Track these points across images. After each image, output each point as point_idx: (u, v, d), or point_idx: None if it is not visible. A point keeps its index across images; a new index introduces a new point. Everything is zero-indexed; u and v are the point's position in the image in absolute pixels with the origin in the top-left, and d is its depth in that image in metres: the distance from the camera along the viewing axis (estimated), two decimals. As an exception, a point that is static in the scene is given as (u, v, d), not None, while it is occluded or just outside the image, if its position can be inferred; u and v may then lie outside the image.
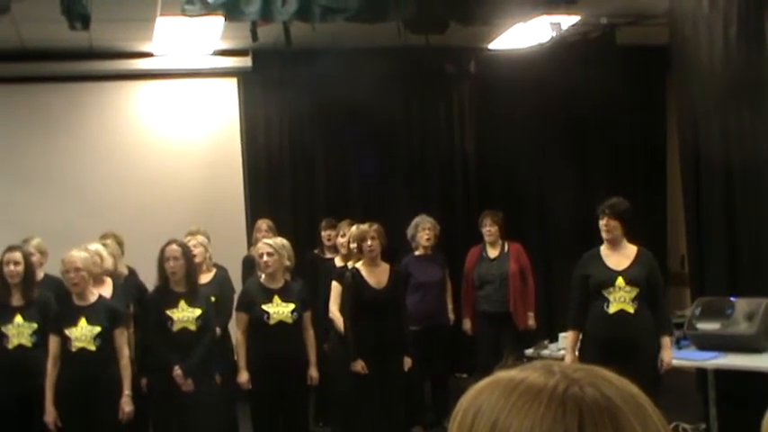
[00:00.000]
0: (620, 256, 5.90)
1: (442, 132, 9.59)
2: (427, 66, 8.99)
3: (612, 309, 5.81)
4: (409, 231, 7.68)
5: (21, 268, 5.97)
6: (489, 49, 8.88)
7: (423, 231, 7.59)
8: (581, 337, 6.00)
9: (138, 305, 6.40)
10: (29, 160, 8.75)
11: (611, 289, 5.81)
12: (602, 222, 5.87)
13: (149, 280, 6.77)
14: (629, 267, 5.85)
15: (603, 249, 5.95)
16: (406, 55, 8.45)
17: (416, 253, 7.66)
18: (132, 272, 6.94)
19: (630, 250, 5.93)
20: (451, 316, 7.79)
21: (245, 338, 6.27)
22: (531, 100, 9.21)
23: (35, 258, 6.39)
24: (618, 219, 5.84)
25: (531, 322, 7.73)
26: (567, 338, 6.21)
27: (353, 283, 6.59)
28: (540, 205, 9.66)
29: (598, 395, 1.01)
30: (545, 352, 7.02)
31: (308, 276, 7.08)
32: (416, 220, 7.70)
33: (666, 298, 6.37)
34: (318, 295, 6.85)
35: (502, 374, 1.06)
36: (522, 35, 8.06)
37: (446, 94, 9.58)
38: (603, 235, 5.90)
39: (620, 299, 5.80)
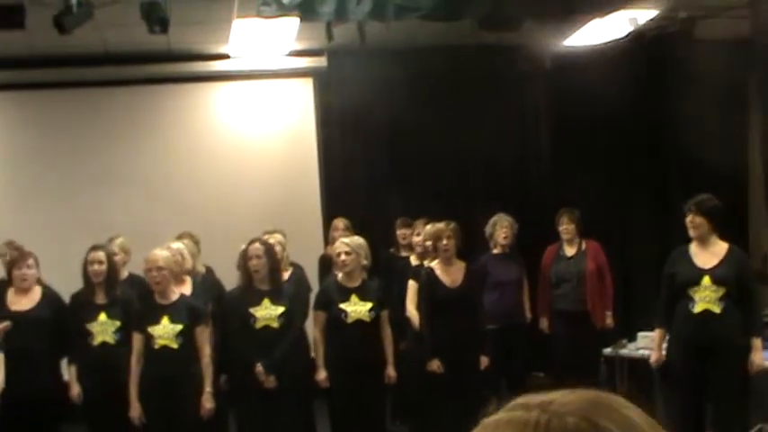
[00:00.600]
0: (708, 254, 5.77)
1: (517, 130, 9.52)
2: (501, 64, 8.93)
3: (698, 308, 5.70)
4: (487, 230, 7.66)
5: (104, 267, 6.12)
6: (565, 46, 8.79)
7: (501, 230, 7.57)
8: (667, 336, 5.91)
9: (216, 303, 6.48)
10: (111, 162, 8.94)
11: (697, 288, 5.69)
12: (687, 219, 5.76)
13: (227, 278, 6.88)
14: (716, 266, 5.71)
15: (693, 247, 5.83)
16: (481, 53, 8.43)
17: (494, 251, 7.64)
18: (210, 270, 7.04)
19: (720, 248, 5.79)
20: (528, 315, 7.74)
21: (322, 337, 6.31)
22: (608, 97, 9.08)
23: (119, 257, 6.54)
24: (704, 215, 5.72)
25: (609, 321, 7.64)
26: (654, 336, 6.15)
27: (428, 282, 6.60)
28: (618, 203, 9.52)
29: (583, 424, 1.00)
30: (623, 351, 6.95)
31: (384, 275, 7.09)
32: (494, 218, 7.67)
33: (758, 298, 6.16)
34: (394, 294, 6.86)
35: (487, 421, 1.06)
36: (599, 31, 7.96)
37: (521, 92, 9.50)
38: (690, 232, 5.79)
39: (706, 298, 5.67)
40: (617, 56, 8.51)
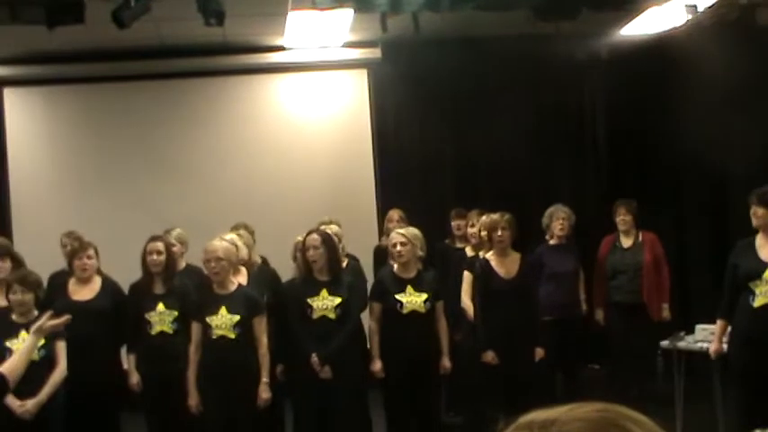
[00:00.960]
0: (772, 247, 5.65)
1: (573, 121, 9.44)
2: (557, 53, 8.85)
3: (757, 303, 5.59)
4: (543, 220, 7.62)
5: (163, 258, 6.20)
6: (622, 35, 8.69)
7: (557, 221, 7.52)
8: (729, 329, 5.82)
9: (272, 294, 6.52)
10: (168, 154, 9.06)
11: (758, 281, 5.58)
12: (751, 211, 5.67)
13: (282, 269, 6.92)
14: (779, 260, 5.59)
15: (758, 239, 5.72)
16: (536, 43, 8.36)
17: (550, 242, 7.59)
18: (265, 261, 7.08)
19: None
20: (584, 306, 7.69)
21: (378, 327, 6.32)
22: (665, 86, 8.97)
23: (176, 248, 6.62)
24: (766, 207, 5.61)
25: (666, 314, 7.57)
26: (714, 329, 6.06)
27: (483, 273, 6.58)
28: (675, 194, 9.39)
29: None
30: (681, 344, 6.86)
31: (439, 266, 7.08)
32: (551, 209, 7.62)
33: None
34: (449, 285, 6.84)
35: None
36: (656, 19, 7.85)
37: (577, 81, 9.40)
38: (753, 223, 5.69)
39: (766, 293, 5.57)
40: (675, 44, 8.38)
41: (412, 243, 6.33)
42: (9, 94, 9.10)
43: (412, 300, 6.22)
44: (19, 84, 9.08)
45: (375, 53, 9.05)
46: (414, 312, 6.23)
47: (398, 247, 6.28)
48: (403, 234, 6.38)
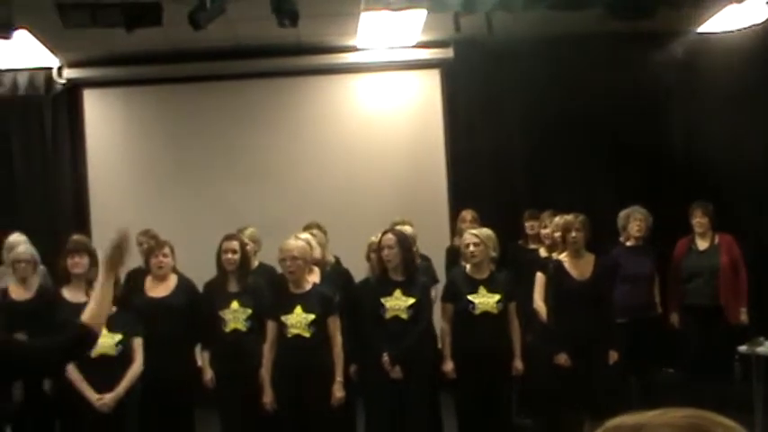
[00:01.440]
0: None
1: (649, 121, 9.27)
2: (633, 52, 8.73)
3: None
4: (619, 221, 7.52)
5: (237, 256, 6.26)
6: (699, 33, 8.53)
7: (634, 222, 7.42)
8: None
9: (344, 293, 6.55)
10: (242, 154, 9.16)
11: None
12: None
13: (354, 269, 6.94)
14: None
15: None
16: (610, 42, 8.25)
17: (627, 244, 7.49)
18: (338, 261, 7.11)
19: None
20: (659, 309, 7.57)
21: (450, 328, 6.30)
22: (744, 85, 8.77)
23: (249, 247, 6.67)
24: None
25: (744, 317, 7.41)
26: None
27: (557, 274, 6.53)
28: (755, 195, 9.18)
29: None
30: (760, 349, 6.72)
31: (512, 267, 7.04)
32: (627, 210, 7.52)
33: None
34: (522, 286, 6.79)
35: None
36: (735, 16, 7.70)
37: (653, 81, 9.21)
38: None
39: None
40: (754, 42, 8.21)
41: (485, 244, 6.30)
42: (88, 95, 9.31)
43: (484, 300, 6.19)
44: (98, 85, 9.27)
45: (447, 53, 9.05)
46: (486, 313, 6.20)
47: (471, 248, 6.26)
48: (476, 234, 6.36)
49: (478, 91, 9.13)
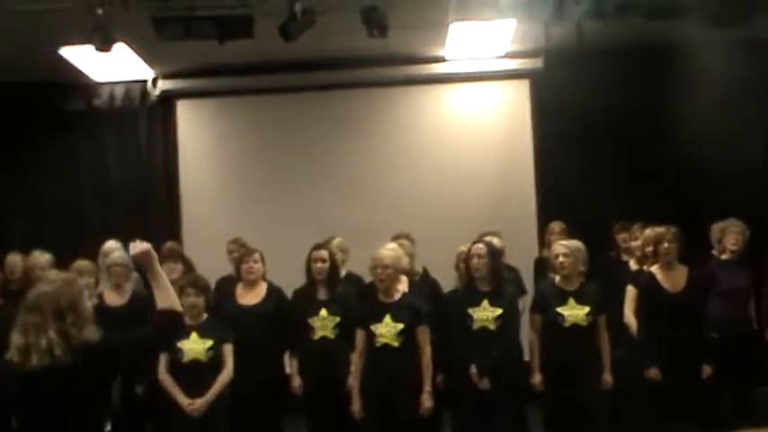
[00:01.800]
0: None
1: (745, 132, 8.99)
2: (729, 60, 8.49)
3: None
4: (714, 234, 7.33)
5: (327, 266, 6.31)
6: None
7: (730, 235, 7.21)
8: None
9: (432, 303, 6.53)
10: (331, 163, 9.25)
11: None
12: None
13: (442, 279, 6.93)
14: None
15: None
16: (707, 50, 8.05)
17: (722, 257, 7.30)
18: (425, 271, 7.11)
19: None
20: (755, 325, 7.36)
21: (538, 340, 6.24)
22: None
23: (338, 256, 6.71)
24: None
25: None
26: None
27: (648, 287, 6.42)
28: None
29: None
30: None
31: (602, 279, 6.93)
32: (724, 223, 7.32)
33: None
34: (612, 299, 6.68)
35: None
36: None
37: (750, 91, 8.93)
38: None
39: None
40: None
41: (574, 255, 6.24)
42: (182, 106, 9.52)
43: (574, 313, 6.12)
44: (191, 96, 9.48)
45: (537, 63, 8.99)
46: (575, 326, 6.12)
47: (561, 259, 6.20)
48: (566, 246, 6.30)
49: (568, 101, 9.01)
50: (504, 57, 8.93)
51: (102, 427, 3.59)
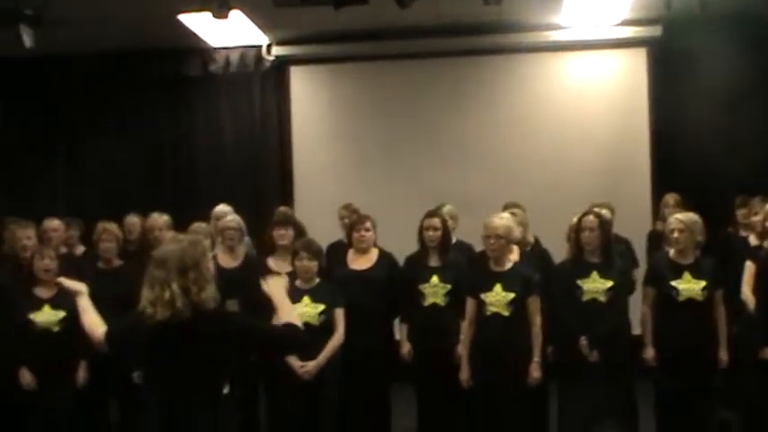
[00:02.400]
0: None
1: None
2: None
3: None
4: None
5: (439, 233, 6.30)
6: None
7: None
8: None
9: (543, 274, 6.48)
10: (443, 131, 9.23)
11: None
12: None
13: (553, 250, 6.86)
14: None
15: None
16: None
17: None
18: (537, 241, 7.05)
19: None
20: None
21: (651, 314, 6.13)
22: None
23: (449, 224, 6.70)
24: None
25: None
26: None
27: (767, 263, 6.23)
28: None
29: None
30: None
31: (720, 254, 6.75)
32: None
33: None
34: (731, 275, 6.50)
35: None
36: None
37: None
38: None
39: None
40: None
41: (690, 229, 6.08)
42: (295, 72, 9.62)
43: (689, 287, 5.98)
44: (304, 62, 9.56)
45: (655, 31, 8.77)
46: (690, 300, 5.97)
47: (676, 233, 6.06)
48: (681, 219, 6.14)
49: (688, 71, 8.78)
50: (621, 24, 8.73)
51: (221, 387, 3.73)
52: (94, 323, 3.88)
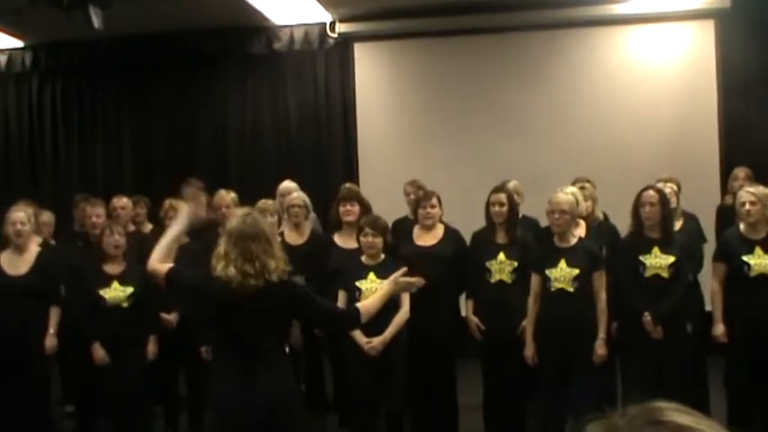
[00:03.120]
0: None
1: None
2: None
3: None
4: None
5: (505, 209, 6.24)
6: None
7: None
8: None
9: (610, 249, 6.42)
10: (508, 106, 9.18)
11: None
12: None
13: (620, 226, 6.79)
14: None
15: None
16: None
17: None
18: (605, 216, 6.98)
19: None
20: None
21: (722, 290, 6.04)
22: None
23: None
24: None
25: None
26: None
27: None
28: None
29: None
30: None
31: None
32: None
33: None
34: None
35: None
36: None
37: None
38: None
39: None
40: None
41: (762, 202, 5.97)
42: (359, 48, 9.62)
43: (761, 262, 5.86)
44: (368, 39, 9.56)
45: (724, 2, 8.62)
46: (762, 276, 5.86)
47: (747, 206, 5.96)
48: (752, 193, 6.03)
49: (757, 43, 8.60)
50: (688, -5, 8.60)
51: (283, 352, 3.97)
52: (164, 252, 4.12)
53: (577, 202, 6.09)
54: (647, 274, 5.88)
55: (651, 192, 5.97)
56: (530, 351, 5.90)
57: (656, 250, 5.88)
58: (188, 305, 5.91)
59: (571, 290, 5.71)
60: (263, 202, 6.66)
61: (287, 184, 7.46)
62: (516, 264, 6.16)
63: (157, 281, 4.11)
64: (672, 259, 5.84)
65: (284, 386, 4.02)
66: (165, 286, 4.12)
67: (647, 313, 5.80)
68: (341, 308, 3.96)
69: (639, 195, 5.99)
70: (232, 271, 3.82)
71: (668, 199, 6.07)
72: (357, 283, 5.90)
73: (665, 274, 5.85)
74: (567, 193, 5.93)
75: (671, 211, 6.10)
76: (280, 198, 7.26)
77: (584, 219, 6.30)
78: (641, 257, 5.88)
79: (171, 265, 4.06)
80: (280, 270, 3.85)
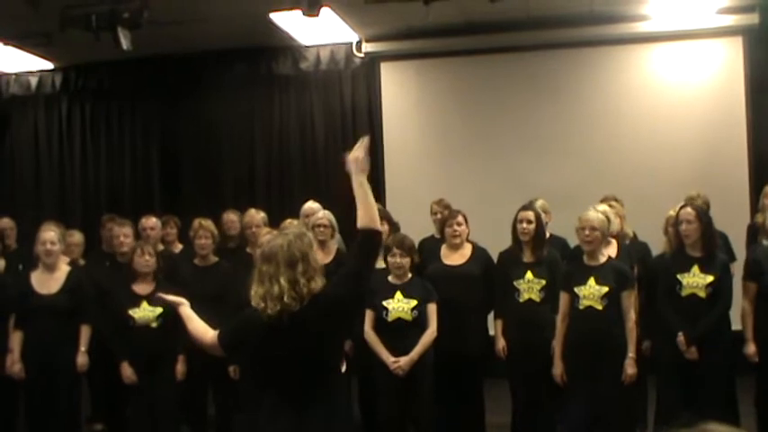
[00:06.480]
0: None
1: None
2: None
3: None
4: None
5: (533, 227, 6.21)
6: None
7: None
8: None
9: (641, 267, 6.38)
10: (534, 124, 9.17)
11: None
12: None
13: (651, 243, 6.75)
14: None
15: None
16: None
17: None
18: (635, 235, 6.94)
19: None
20: None
21: (752, 309, 5.98)
22: None
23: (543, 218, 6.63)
24: None
25: None
26: None
27: None
28: None
29: None
30: None
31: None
32: None
33: None
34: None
35: None
36: None
37: None
38: None
39: None
40: None
41: (792, 220, 5.93)
42: (385, 68, 9.66)
43: (791, 280, 5.82)
44: (394, 58, 9.59)
45: (752, 19, 8.56)
46: (793, 295, 5.82)
47: (777, 225, 5.91)
48: (783, 210, 5.99)
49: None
50: (716, 12, 8.54)
51: (338, 369, 3.73)
52: (202, 329, 3.87)
53: (609, 220, 6.03)
54: (684, 293, 5.79)
55: (689, 209, 5.89)
56: (558, 370, 5.85)
57: (695, 269, 5.78)
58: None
59: (600, 308, 5.65)
60: (288, 223, 6.67)
61: (310, 205, 7.45)
62: (544, 282, 6.14)
63: (215, 353, 3.91)
64: (710, 279, 5.73)
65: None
66: (225, 353, 3.88)
67: (680, 333, 5.73)
68: (355, 244, 3.68)
69: (678, 213, 5.93)
70: (270, 296, 3.54)
71: (708, 216, 5.97)
72: (384, 303, 5.90)
73: (702, 294, 5.75)
74: (598, 211, 5.89)
75: (712, 228, 5.96)
76: (304, 219, 7.26)
77: (614, 237, 6.26)
78: (679, 276, 5.80)
79: (213, 333, 3.81)
80: (320, 289, 3.55)
